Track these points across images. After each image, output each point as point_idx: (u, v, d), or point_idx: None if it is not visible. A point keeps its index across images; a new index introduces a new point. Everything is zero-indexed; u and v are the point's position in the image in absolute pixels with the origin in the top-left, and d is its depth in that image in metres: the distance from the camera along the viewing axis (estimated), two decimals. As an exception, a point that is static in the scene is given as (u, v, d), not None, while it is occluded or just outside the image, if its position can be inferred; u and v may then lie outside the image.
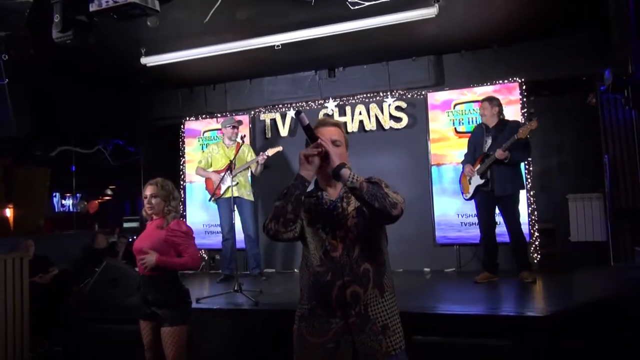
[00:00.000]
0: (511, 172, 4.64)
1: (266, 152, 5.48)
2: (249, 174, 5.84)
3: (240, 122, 5.95)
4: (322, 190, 2.02)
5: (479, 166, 4.75)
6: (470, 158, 4.91)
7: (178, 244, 3.00)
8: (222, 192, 5.53)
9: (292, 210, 1.84)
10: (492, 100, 4.83)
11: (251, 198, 5.71)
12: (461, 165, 5.07)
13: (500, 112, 4.82)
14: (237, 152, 5.58)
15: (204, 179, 5.82)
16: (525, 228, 5.35)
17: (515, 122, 4.86)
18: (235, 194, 5.49)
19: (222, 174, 5.41)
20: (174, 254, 2.99)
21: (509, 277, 4.86)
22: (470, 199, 4.92)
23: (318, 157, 1.86)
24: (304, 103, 6.53)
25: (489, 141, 4.76)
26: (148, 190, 3.07)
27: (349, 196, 1.96)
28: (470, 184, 4.87)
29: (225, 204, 5.54)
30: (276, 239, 1.90)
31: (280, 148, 5.60)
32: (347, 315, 1.88)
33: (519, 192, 4.75)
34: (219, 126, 6.81)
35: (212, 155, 5.75)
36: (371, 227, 1.94)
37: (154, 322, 3.00)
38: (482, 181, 4.73)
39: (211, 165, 5.75)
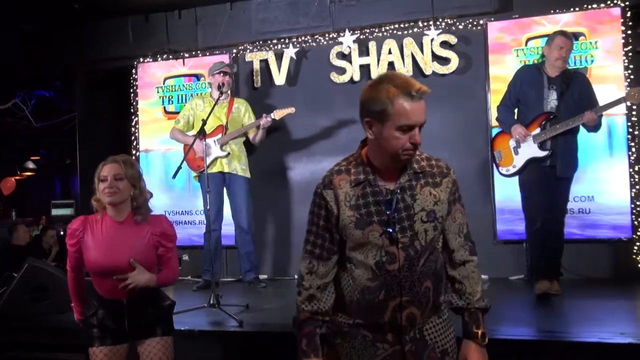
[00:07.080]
0: (576, 146, 4.77)
1: (272, 114, 5.50)
2: (243, 140, 5.85)
3: (233, 67, 5.92)
4: (373, 173, 2.03)
5: (537, 130, 4.71)
6: (520, 115, 4.89)
7: (164, 251, 3.06)
8: (207, 164, 5.51)
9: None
10: (571, 37, 4.85)
11: (246, 174, 5.74)
12: (497, 122, 5.14)
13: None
14: (231, 110, 5.57)
15: (182, 146, 5.82)
16: (626, 219, 5.38)
17: (582, 76, 4.93)
18: (226, 169, 5.54)
19: (208, 140, 5.39)
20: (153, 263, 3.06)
21: (599, 287, 4.88)
22: (513, 174, 4.91)
23: None
24: (309, 37, 6.48)
25: (553, 96, 4.72)
26: (108, 170, 2.96)
27: (414, 186, 2.02)
28: (516, 153, 4.85)
29: (212, 182, 5.48)
30: None
31: (292, 109, 5.60)
32: (401, 340, 2.05)
33: None
34: (186, 71, 6.79)
35: (196, 114, 5.73)
36: (440, 236, 2.11)
37: (117, 345, 3.02)
38: (542, 153, 4.71)
39: (193, 127, 5.76)
